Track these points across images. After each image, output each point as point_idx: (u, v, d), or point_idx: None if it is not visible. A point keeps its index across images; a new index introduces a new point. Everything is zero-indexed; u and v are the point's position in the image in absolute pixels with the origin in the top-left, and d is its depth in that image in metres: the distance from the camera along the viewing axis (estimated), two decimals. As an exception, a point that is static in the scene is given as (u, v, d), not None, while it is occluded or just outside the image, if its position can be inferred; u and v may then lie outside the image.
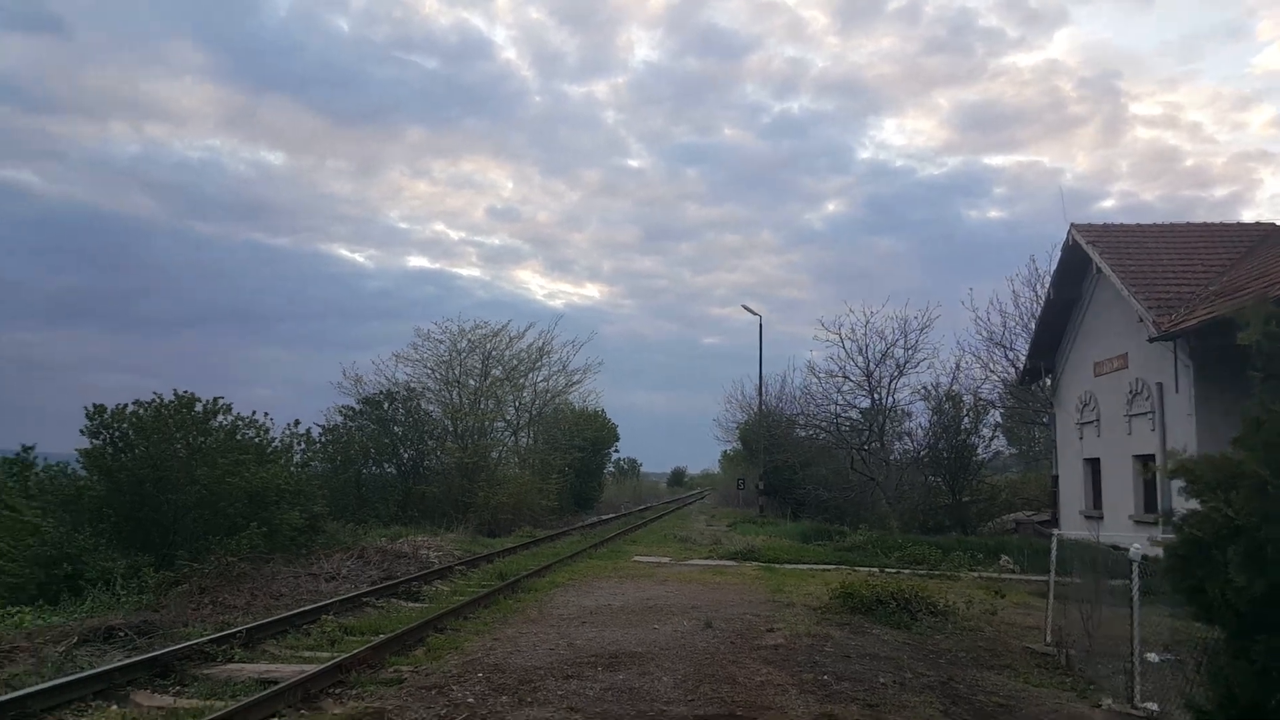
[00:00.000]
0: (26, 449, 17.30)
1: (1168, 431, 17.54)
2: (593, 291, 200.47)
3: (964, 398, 32.92)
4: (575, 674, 8.81)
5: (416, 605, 14.01)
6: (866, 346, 33.56)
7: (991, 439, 34.71)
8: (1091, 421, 21.70)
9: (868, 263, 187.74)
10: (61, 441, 19.37)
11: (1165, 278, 18.60)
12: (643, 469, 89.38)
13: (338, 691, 8.20)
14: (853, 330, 33.68)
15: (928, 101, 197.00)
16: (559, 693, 8.08)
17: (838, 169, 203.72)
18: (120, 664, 8.62)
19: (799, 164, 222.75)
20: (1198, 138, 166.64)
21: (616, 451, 57.64)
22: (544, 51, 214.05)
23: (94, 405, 17.65)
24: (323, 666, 8.59)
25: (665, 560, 20.89)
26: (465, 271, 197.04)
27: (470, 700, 7.81)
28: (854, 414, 35.20)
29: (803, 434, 38.60)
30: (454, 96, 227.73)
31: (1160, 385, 17.79)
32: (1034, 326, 25.89)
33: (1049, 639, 11.14)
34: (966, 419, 33.01)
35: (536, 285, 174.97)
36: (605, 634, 11.02)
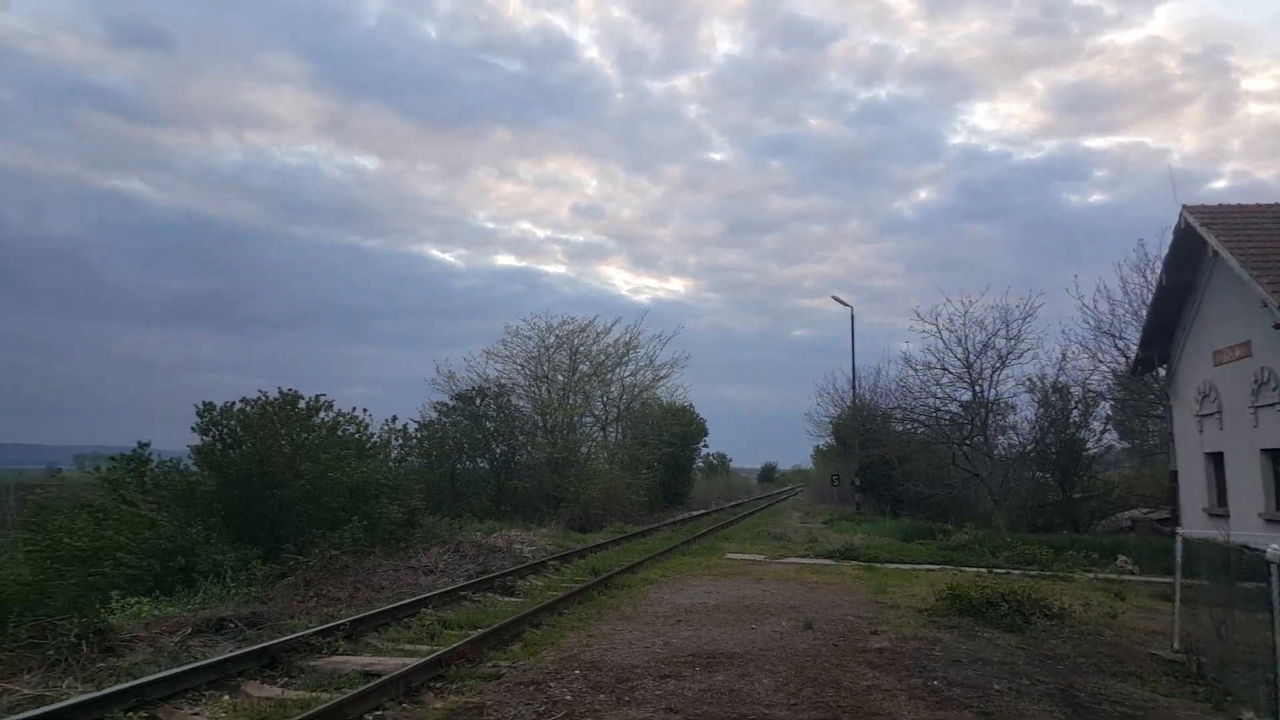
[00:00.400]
0: (142, 446, 18.08)
1: (1301, 424, 16.37)
2: (678, 286, 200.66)
3: (1072, 389, 31.42)
4: (672, 674, 8.64)
5: (512, 600, 14.09)
6: (966, 337, 32.39)
7: (1102, 433, 33.09)
8: (1212, 414, 20.42)
9: (963, 250, 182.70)
10: (173, 439, 20.27)
11: (1291, 260, 17.33)
12: (732, 464, 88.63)
13: (438, 685, 8.25)
14: (950, 320, 32.53)
15: (1021, 84, 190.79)
16: (657, 693, 7.92)
17: (928, 156, 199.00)
18: (231, 655, 8.84)
19: (887, 152, 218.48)
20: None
21: (705, 446, 57.09)
22: (626, 49, 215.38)
23: (204, 403, 18.40)
24: (423, 660, 8.66)
25: (759, 558, 20.55)
26: (551, 269, 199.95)
27: (568, 698, 7.72)
28: (954, 407, 34.01)
29: (900, 428, 37.55)
30: (538, 97, 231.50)
31: (1292, 374, 16.61)
32: (1145, 314, 24.51)
33: (1177, 645, 10.47)
34: (1075, 412, 31.53)
35: (621, 281, 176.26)
36: (702, 633, 10.82)
